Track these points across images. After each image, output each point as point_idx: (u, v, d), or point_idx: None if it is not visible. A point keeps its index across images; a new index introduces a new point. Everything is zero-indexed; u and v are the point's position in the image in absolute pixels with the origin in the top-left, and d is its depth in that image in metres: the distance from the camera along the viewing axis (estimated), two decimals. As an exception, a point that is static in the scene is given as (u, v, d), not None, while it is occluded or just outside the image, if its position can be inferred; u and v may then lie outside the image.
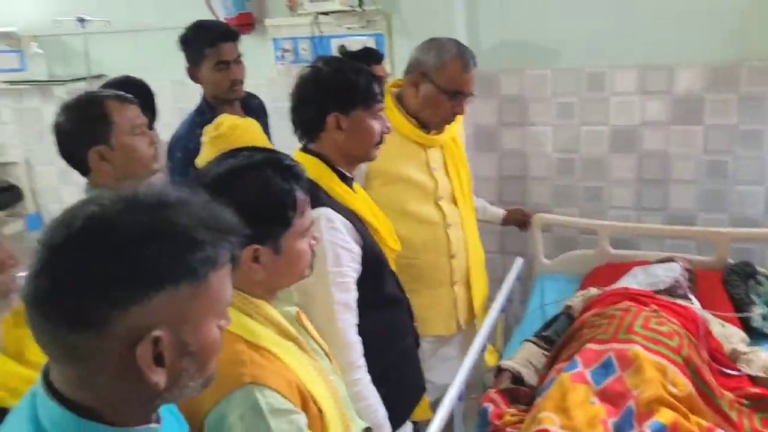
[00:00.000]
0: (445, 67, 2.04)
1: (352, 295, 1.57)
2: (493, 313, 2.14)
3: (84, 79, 3.45)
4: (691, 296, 2.13)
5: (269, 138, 2.56)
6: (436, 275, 2.17)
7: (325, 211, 1.55)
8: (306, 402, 1.11)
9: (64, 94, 3.38)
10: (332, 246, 1.53)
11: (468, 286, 2.24)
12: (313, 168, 1.61)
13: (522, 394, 1.90)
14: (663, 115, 2.77)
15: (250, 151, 1.24)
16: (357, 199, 1.67)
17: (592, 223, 2.68)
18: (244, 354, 1.08)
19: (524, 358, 2.05)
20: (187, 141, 2.31)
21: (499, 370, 2.03)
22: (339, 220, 1.56)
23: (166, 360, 0.78)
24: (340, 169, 1.67)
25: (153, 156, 1.75)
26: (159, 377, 0.77)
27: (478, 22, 2.93)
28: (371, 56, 2.48)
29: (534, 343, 2.12)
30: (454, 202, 2.20)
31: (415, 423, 1.91)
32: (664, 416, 1.57)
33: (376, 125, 1.68)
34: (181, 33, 2.50)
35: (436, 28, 2.28)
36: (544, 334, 2.15)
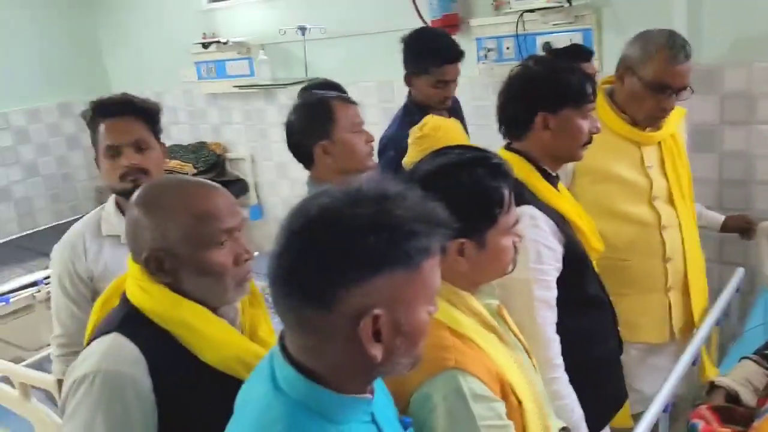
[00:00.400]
0: (650, 60, 1.94)
1: (553, 293, 1.56)
2: (706, 325, 1.98)
3: (302, 82, 3.76)
4: None
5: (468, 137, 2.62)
6: (649, 279, 2.07)
7: (529, 209, 1.55)
8: (506, 391, 1.13)
9: (287, 97, 3.73)
10: (535, 244, 1.54)
11: (685, 293, 2.10)
12: (518, 166, 1.61)
13: (738, 414, 1.74)
14: None
15: (461, 149, 1.29)
16: (561, 198, 1.66)
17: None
18: (448, 340, 1.14)
19: (742, 377, 1.88)
20: (401, 140, 2.43)
21: (712, 387, 1.88)
22: (542, 218, 1.56)
23: (383, 336, 0.87)
24: (545, 168, 1.66)
25: (369, 153, 1.90)
26: (377, 351, 0.87)
27: (702, 11, 2.71)
28: (580, 53, 2.41)
29: (754, 361, 1.93)
30: (671, 202, 2.07)
31: (614, 430, 1.83)
32: None
33: (584, 125, 1.65)
34: (409, 36, 2.59)
35: (652, 19, 2.15)
36: (766, 352, 1.94)
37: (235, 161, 4.47)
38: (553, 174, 1.69)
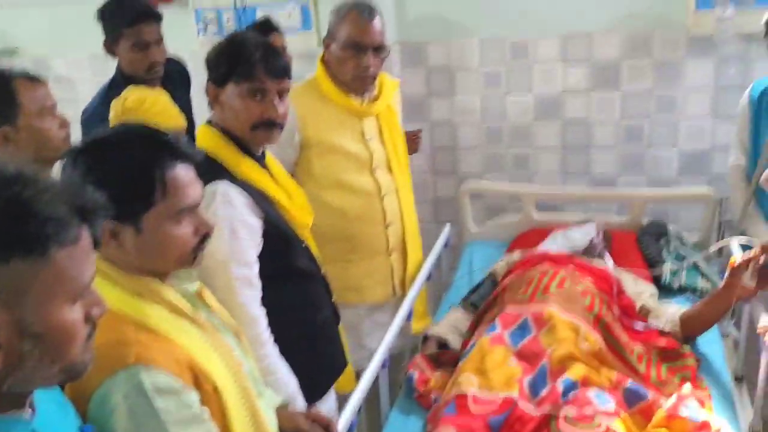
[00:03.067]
0: (342, 23, 2.06)
1: (253, 269, 1.55)
2: (418, 281, 2.19)
3: (-8, 54, 3.31)
4: (606, 256, 2.23)
5: (191, 109, 2.52)
6: (373, 244, 2.21)
7: (222, 186, 1.52)
8: (199, 380, 1.09)
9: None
10: (228, 221, 1.51)
11: (404, 253, 2.28)
12: (211, 141, 1.59)
13: (447, 358, 1.97)
14: (583, 83, 2.85)
15: (129, 125, 1.20)
16: (260, 173, 1.64)
17: (515, 189, 2.75)
18: (130, 334, 1.06)
19: (450, 324, 2.12)
20: (103, 115, 2.24)
21: (426, 338, 2.09)
22: (235, 194, 1.53)
23: (2, 339, 0.75)
24: (246, 143, 1.62)
25: (64, 138, 1.70)
26: None
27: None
28: (266, 26, 2.45)
29: (460, 308, 2.18)
30: (390, 171, 2.22)
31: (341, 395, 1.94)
32: (575, 372, 1.66)
33: (250, 104, 1.58)
34: (101, 6, 2.39)
35: (362, -1, 2.28)
36: (469, 299, 2.21)
37: None
38: (257, 152, 1.66)
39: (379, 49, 2.08)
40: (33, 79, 1.68)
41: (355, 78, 2.09)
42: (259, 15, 3.04)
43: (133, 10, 2.31)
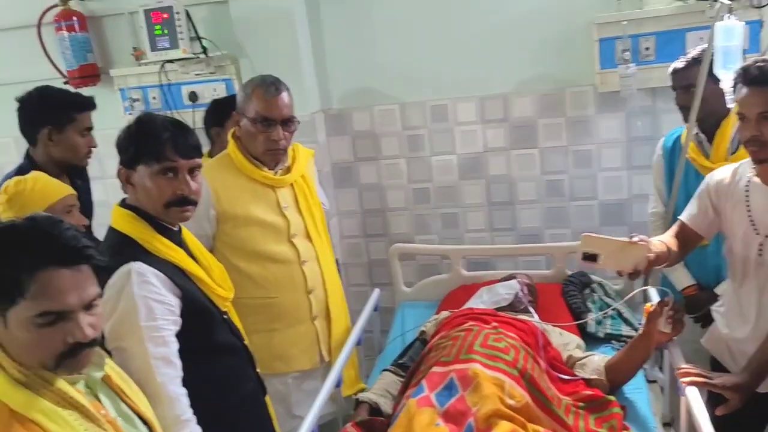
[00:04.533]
0: (249, 99, 2.09)
1: (171, 348, 1.52)
2: (346, 347, 2.17)
3: None
4: (531, 309, 2.26)
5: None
6: (296, 312, 2.19)
7: (136, 266, 1.51)
8: None
9: None
10: (144, 300, 1.49)
11: (329, 319, 2.27)
12: (126, 222, 1.60)
13: (378, 424, 1.92)
14: (503, 141, 2.95)
15: (28, 218, 1.16)
16: (177, 251, 1.63)
17: (441, 249, 2.79)
18: (2, 426, 1.02)
19: (381, 388, 2.09)
20: None
21: (357, 403, 2.06)
22: (151, 273, 1.52)
23: None
24: (161, 221, 1.63)
25: None
26: None
27: (326, 64, 3.01)
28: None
29: (391, 371, 2.16)
30: (309, 238, 2.23)
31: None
32: (501, 429, 1.64)
33: (164, 184, 1.59)
34: (35, 93, 2.37)
35: (284, 71, 2.33)
36: (400, 361, 2.20)
37: None
38: (174, 228, 1.67)
39: (287, 121, 2.12)
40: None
41: (266, 151, 2.12)
42: (185, 92, 3.08)
43: (82, 99, 2.37)
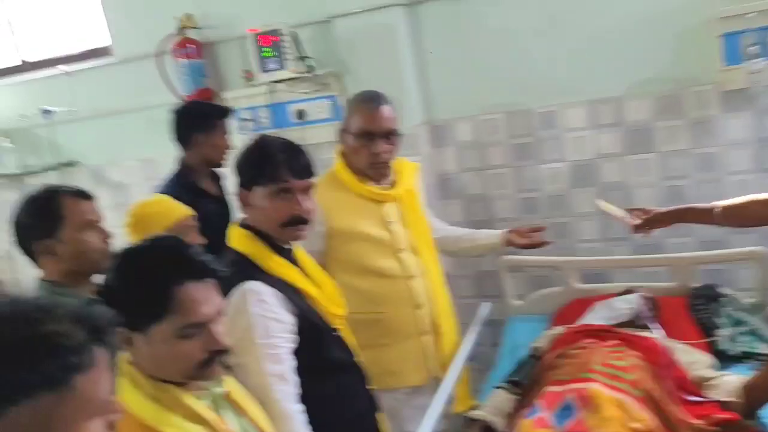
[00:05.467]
0: (353, 115, 2.13)
1: (287, 365, 1.55)
2: (456, 363, 2.13)
3: (55, 168, 3.52)
4: (653, 325, 2.12)
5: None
6: (404, 327, 2.18)
7: (253, 285, 1.55)
8: None
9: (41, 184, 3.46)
10: (261, 318, 1.53)
11: (437, 334, 2.24)
12: (243, 242, 1.64)
13: (492, 443, 1.87)
14: (617, 147, 2.81)
15: (156, 239, 1.24)
16: (291, 269, 1.67)
17: (554, 260, 2.68)
18: None
19: (494, 407, 2.03)
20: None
21: (470, 421, 2.01)
22: (268, 292, 1.56)
23: None
24: (276, 240, 1.67)
25: (104, 251, 1.76)
26: None
27: (428, 76, 2.99)
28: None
29: (504, 389, 2.10)
30: (416, 253, 2.22)
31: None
32: (625, 454, 1.55)
33: (279, 204, 1.63)
34: (185, 106, 2.81)
35: (387, 85, 2.34)
36: (513, 379, 2.12)
37: (-12, 260, 4.01)
38: (287, 246, 1.71)
39: (389, 134, 2.12)
40: (79, 195, 1.78)
41: (369, 165, 2.13)
42: (291, 110, 3.17)
43: (222, 107, 2.83)
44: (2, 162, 3.67)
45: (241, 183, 1.67)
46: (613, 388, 1.72)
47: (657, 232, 2.75)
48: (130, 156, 3.60)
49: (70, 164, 3.64)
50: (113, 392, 0.86)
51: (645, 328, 2.09)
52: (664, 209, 2.15)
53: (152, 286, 1.14)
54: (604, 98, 2.78)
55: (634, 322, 2.10)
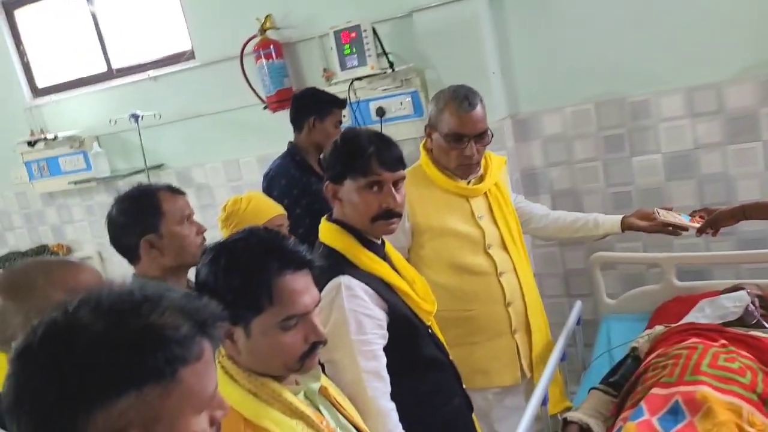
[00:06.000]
0: (442, 114, 2.05)
1: (381, 362, 1.52)
2: (550, 363, 2.04)
3: (142, 171, 3.63)
4: (766, 324, 1.96)
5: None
6: (495, 325, 2.11)
7: (345, 279, 1.53)
8: None
9: (129, 187, 3.58)
10: (354, 314, 1.50)
11: (529, 333, 2.16)
12: (334, 236, 1.62)
13: (590, 447, 1.78)
14: (717, 136, 2.64)
15: (251, 231, 1.23)
16: (383, 265, 1.63)
17: (651, 257, 2.54)
18: None
19: (591, 408, 1.93)
20: (286, 169, 2.78)
21: (566, 422, 1.92)
22: (360, 287, 1.53)
23: None
24: (366, 234, 1.64)
25: (200, 244, 1.80)
26: None
27: (513, 68, 2.90)
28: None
29: (601, 390, 1.99)
30: (505, 249, 2.15)
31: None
32: (744, 463, 1.43)
33: (369, 197, 1.59)
34: (305, 91, 2.95)
35: (470, 80, 2.27)
36: (611, 380, 2.02)
37: (82, 261, 4.19)
38: (375, 241, 1.67)
39: (481, 135, 2.05)
40: (174, 191, 1.83)
41: (458, 166, 2.08)
42: (372, 107, 3.15)
43: (339, 98, 2.91)
44: (94, 166, 3.81)
45: (331, 177, 1.64)
46: (725, 391, 1.60)
47: (763, 228, 2.59)
48: (213, 158, 3.67)
49: (157, 167, 3.75)
50: (217, 387, 0.85)
51: (757, 326, 1.94)
52: (727, 207, 2.06)
53: (252, 278, 1.13)
54: (703, 84, 2.61)
55: (745, 321, 1.95)
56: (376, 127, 3.08)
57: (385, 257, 1.67)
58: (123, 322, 0.76)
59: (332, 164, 1.64)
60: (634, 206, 2.81)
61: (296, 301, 1.15)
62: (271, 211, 2.14)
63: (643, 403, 1.67)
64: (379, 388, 1.49)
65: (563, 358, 2.16)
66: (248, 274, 1.13)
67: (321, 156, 2.52)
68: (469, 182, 2.14)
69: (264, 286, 1.12)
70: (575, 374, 2.38)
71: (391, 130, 3.03)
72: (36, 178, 4.05)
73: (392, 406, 1.50)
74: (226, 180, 3.68)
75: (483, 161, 2.17)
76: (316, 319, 1.19)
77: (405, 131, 3.03)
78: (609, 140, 2.82)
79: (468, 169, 2.09)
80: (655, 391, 1.68)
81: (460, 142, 2.03)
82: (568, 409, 2.05)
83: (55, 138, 3.77)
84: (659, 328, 2.08)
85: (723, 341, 1.79)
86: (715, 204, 2.66)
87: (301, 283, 1.16)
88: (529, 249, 2.90)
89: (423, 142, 2.20)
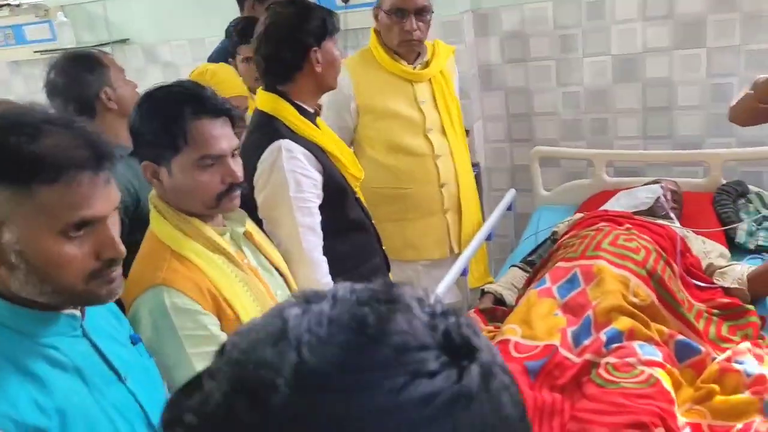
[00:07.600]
0: None
1: (316, 219, 1.65)
2: (476, 239, 2.21)
3: (108, 44, 3.63)
4: (673, 216, 2.14)
5: None
6: (428, 204, 2.27)
7: (285, 143, 1.63)
8: (220, 306, 1.23)
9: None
10: (293, 174, 1.61)
11: (460, 213, 2.32)
12: (273, 104, 1.71)
13: (500, 313, 1.98)
14: (665, 41, 2.72)
15: (176, 82, 1.34)
16: (318, 132, 1.74)
17: (584, 152, 2.68)
18: (165, 261, 1.22)
19: (507, 281, 2.13)
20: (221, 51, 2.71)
21: (483, 293, 2.12)
22: (298, 150, 1.64)
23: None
24: (301, 104, 1.73)
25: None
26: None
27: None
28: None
29: (519, 267, 2.19)
30: (444, 134, 2.26)
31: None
32: (621, 323, 1.63)
33: (337, 52, 1.75)
34: None
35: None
36: (529, 258, 2.21)
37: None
38: (310, 110, 1.77)
39: (421, 11, 2.12)
40: (104, 53, 1.91)
41: (401, 42, 2.15)
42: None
43: None
44: (59, 36, 3.79)
45: (313, 42, 1.71)
46: (618, 266, 1.78)
47: (696, 131, 2.72)
48: (179, 35, 3.66)
49: (122, 41, 3.73)
50: (100, 223, 0.90)
51: (665, 218, 2.11)
52: None
53: (171, 120, 1.24)
54: (656, -12, 2.67)
55: (654, 212, 2.13)
56: (341, 13, 3.10)
57: (316, 126, 1.77)
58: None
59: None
60: (582, 107, 2.93)
61: (210, 143, 1.26)
62: (232, 89, 2.18)
63: (547, 275, 1.85)
64: (313, 241, 1.63)
65: (489, 237, 2.33)
66: (167, 117, 1.24)
67: None
68: (415, 67, 2.22)
69: (180, 127, 1.23)
70: (503, 258, 2.56)
71: (352, 18, 3.06)
72: (1, 45, 4.02)
73: (324, 259, 1.65)
74: (192, 60, 3.68)
75: (431, 48, 2.25)
76: (233, 163, 1.30)
77: (366, 20, 3.06)
78: (563, 39, 2.89)
79: (409, 45, 2.16)
80: (559, 264, 1.87)
81: (402, 16, 2.10)
82: (490, 283, 2.25)
83: (19, 5, 3.72)
84: (579, 215, 2.25)
85: (628, 225, 1.96)
86: (654, 108, 2.80)
87: (217, 128, 1.27)
88: (480, 144, 3.05)
89: (372, 27, 2.27)
